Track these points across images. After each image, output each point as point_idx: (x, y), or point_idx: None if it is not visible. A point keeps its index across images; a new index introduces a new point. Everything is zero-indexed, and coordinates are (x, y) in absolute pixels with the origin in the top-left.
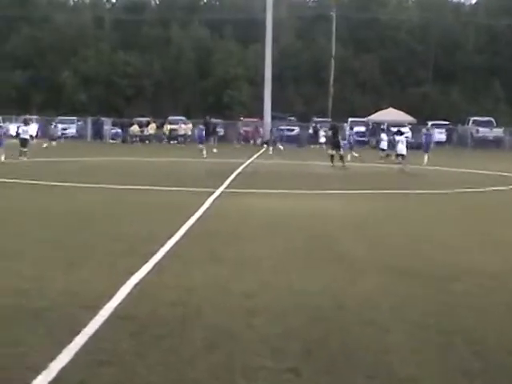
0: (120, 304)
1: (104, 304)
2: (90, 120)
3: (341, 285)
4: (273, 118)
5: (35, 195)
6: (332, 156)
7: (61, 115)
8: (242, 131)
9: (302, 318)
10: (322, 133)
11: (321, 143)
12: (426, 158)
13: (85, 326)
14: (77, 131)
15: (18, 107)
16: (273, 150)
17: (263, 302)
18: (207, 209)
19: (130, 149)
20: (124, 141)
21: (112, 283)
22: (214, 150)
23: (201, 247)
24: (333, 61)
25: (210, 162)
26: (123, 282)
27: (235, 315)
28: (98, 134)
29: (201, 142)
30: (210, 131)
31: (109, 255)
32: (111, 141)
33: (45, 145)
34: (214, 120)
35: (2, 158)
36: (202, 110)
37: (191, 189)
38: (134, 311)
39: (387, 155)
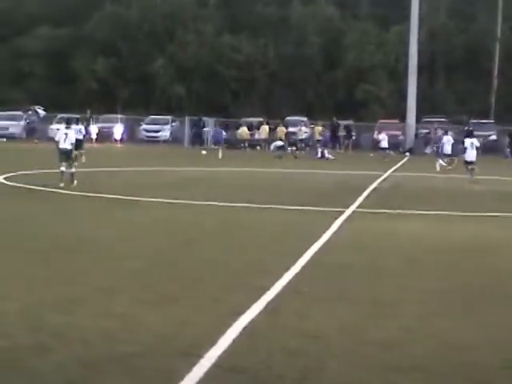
0: (225, 352)
1: (205, 351)
2: (187, 120)
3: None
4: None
5: (122, 214)
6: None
7: (152, 114)
8: (377, 136)
9: (459, 379)
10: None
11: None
12: None
13: (181, 378)
14: (171, 134)
15: (100, 103)
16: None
17: (406, 356)
18: (335, 233)
19: (237, 157)
20: (230, 146)
21: (215, 325)
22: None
23: (327, 282)
24: (497, 45)
25: (338, 175)
26: (229, 324)
27: (370, 370)
28: (197, 137)
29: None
30: (341, 135)
31: (212, 289)
32: (214, 146)
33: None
34: (343, 122)
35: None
36: (327, 109)
37: (315, 208)
38: (242, 361)
39: None
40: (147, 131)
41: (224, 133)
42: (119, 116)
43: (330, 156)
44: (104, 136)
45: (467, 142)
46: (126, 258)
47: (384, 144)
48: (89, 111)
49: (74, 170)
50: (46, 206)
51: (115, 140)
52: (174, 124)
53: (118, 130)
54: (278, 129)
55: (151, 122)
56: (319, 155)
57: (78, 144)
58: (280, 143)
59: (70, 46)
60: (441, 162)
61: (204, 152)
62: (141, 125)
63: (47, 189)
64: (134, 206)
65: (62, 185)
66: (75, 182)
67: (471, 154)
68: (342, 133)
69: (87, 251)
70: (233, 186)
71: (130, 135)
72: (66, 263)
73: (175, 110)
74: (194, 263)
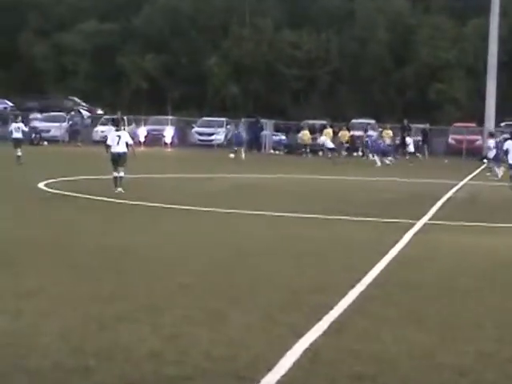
0: (284, 376)
1: (262, 375)
2: (243, 123)
3: None
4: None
5: (171, 224)
6: None
7: (205, 116)
8: (451, 140)
9: None
10: None
11: None
12: None
13: None
14: (226, 137)
15: (150, 103)
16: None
17: (484, 382)
18: (404, 248)
19: (297, 162)
20: (290, 151)
21: (273, 346)
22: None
23: (395, 302)
24: None
25: (408, 183)
26: (288, 346)
27: None
28: (254, 141)
29: (385, 155)
30: (413, 139)
31: (269, 306)
32: (272, 151)
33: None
34: (416, 125)
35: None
36: (396, 111)
37: (383, 219)
38: None
39: None
40: (200, 134)
41: (283, 137)
42: (170, 117)
43: (386, 161)
44: (153, 139)
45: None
46: (175, 273)
47: (411, 148)
48: (119, 112)
49: (123, 174)
50: (89, 216)
51: (165, 144)
52: (228, 127)
53: (169, 133)
54: (341, 133)
55: (204, 125)
56: (378, 163)
57: (17, 143)
58: (330, 145)
59: (117, 42)
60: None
61: (232, 155)
62: (193, 127)
63: (92, 196)
64: (185, 215)
65: (119, 190)
66: (120, 188)
67: None
68: (415, 137)
69: (133, 265)
70: (292, 195)
71: (182, 138)
72: (111, 278)
73: (230, 111)
74: (249, 278)
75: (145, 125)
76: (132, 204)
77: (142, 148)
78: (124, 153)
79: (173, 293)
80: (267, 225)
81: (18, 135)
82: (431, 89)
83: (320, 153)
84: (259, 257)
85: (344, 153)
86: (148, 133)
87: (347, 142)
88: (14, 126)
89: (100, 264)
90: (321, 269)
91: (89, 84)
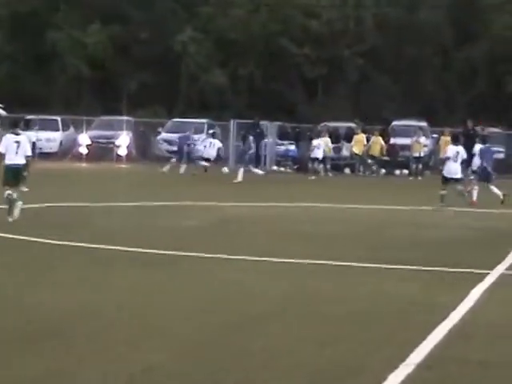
0: None
1: None
2: (233, 126)
3: None
4: None
5: (140, 277)
6: None
7: (176, 116)
8: None
9: None
10: None
11: None
12: None
13: None
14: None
15: (95, 97)
16: None
17: None
18: (471, 311)
19: (312, 184)
20: (301, 168)
21: None
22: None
23: None
24: None
25: (474, 215)
26: None
27: None
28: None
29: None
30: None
31: None
32: (276, 168)
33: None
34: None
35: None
36: (458, 110)
37: (440, 268)
38: None
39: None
40: (169, 143)
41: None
42: (124, 118)
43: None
44: (100, 151)
45: None
46: (138, 349)
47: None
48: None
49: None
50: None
51: (118, 157)
52: (212, 131)
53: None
54: (373, 139)
55: (175, 129)
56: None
57: None
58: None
59: (45, 7)
60: None
61: (226, 170)
62: (159, 133)
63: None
64: (150, 264)
65: (14, 217)
66: (16, 213)
67: None
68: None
69: (72, 338)
70: (305, 233)
71: (142, 149)
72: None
73: (213, 109)
74: (249, 357)
75: (87, 129)
76: (63, 245)
77: (84, 164)
78: (24, 165)
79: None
80: (272, 276)
81: None
82: (509, 77)
83: (347, 170)
84: (263, 325)
85: (380, 170)
86: (92, 141)
87: (383, 155)
88: None
89: (24, 336)
90: (350, 343)
91: (2, 69)
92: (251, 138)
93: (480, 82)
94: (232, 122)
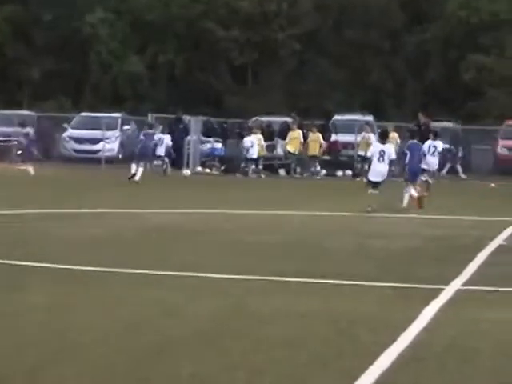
0: None
1: None
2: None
3: None
4: None
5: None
6: None
7: (85, 110)
8: (502, 149)
9: None
10: None
11: None
12: None
13: None
14: (121, 147)
15: None
16: None
17: None
18: (422, 333)
19: (243, 187)
20: (229, 169)
21: None
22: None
23: None
24: None
25: (430, 222)
26: None
27: None
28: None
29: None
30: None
31: None
32: (201, 169)
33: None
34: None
35: None
36: (407, 101)
37: (389, 284)
38: None
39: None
40: (77, 141)
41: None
42: (24, 113)
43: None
44: None
45: None
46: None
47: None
48: None
49: None
50: None
51: (18, 156)
52: (127, 128)
53: (22, 140)
54: (311, 136)
55: (84, 125)
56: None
57: None
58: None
59: None
60: None
61: (187, 172)
62: (65, 129)
63: None
64: (68, 280)
65: None
66: None
67: None
68: (440, 144)
69: None
70: (239, 244)
71: (45, 148)
72: None
73: (128, 101)
74: (180, 379)
75: None
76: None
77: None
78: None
79: None
80: (200, 294)
81: None
82: (466, 63)
83: (281, 171)
84: (191, 348)
85: (321, 171)
86: None
87: (323, 154)
88: None
89: None
90: (287, 368)
91: None
92: (142, 133)
93: (433, 69)
94: (150, 116)
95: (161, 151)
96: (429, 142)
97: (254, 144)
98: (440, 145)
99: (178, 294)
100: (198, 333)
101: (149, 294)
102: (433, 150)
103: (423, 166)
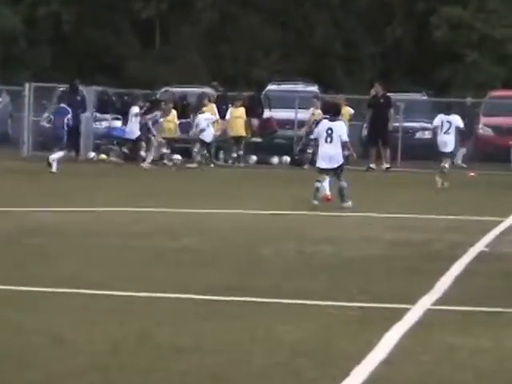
0: None
1: None
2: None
3: None
4: None
5: None
6: None
7: None
8: (483, 129)
9: None
10: None
11: None
12: None
13: None
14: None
15: None
16: None
17: None
18: (381, 366)
19: (148, 179)
20: (132, 156)
21: None
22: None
23: None
24: None
25: (393, 222)
26: None
27: None
28: (68, 132)
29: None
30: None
31: None
32: (94, 155)
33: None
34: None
35: None
36: (366, 67)
37: (343, 304)
38: None
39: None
40: None
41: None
42: None
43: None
44: None
45: None
46: None
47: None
48: None
49: None
50: None
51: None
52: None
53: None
54: (232, 112)
55: None
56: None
57: None
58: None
59: None
60: None
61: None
62: None
63: None
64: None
65: None
66: None
67: None
68: (457, 119)
69: None
70: (145, 252)
71: None
72: None
73: (7, 69)
74: None
75: None
76: None
77: None
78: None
79: None
80: (95, 317)
81: None
82: (437, 18)
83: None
84: None
85: (250, 157)
86: None
87: (253, 135)
88: None
89: None
90: None
91: None
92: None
93: (395, 25)
94: (28, 85)
95: None
96: (441, 117)
97: (209, 124)
98: (458, 120)
99: (63, 318)
100: (93, 365)
101: (29, 319)
102: (447, 127)
103: (440, 148)
